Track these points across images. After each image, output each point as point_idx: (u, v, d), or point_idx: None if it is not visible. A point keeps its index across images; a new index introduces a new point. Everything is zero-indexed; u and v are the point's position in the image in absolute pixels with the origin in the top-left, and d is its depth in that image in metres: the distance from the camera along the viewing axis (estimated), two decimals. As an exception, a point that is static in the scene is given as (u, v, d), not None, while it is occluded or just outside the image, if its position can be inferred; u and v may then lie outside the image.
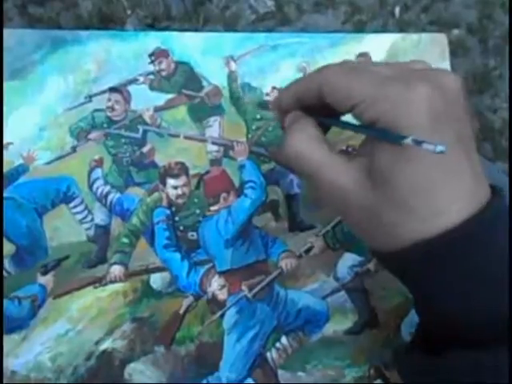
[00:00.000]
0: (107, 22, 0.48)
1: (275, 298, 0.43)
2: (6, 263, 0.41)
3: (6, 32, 0.43)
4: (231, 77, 0.46)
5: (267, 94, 0.47)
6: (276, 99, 0.32)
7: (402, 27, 0.54)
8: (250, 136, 0.46)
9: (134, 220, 0.43)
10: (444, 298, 0.26)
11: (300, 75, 0.47)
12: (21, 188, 0.42)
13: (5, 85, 0.43)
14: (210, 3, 0.50)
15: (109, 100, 0.44)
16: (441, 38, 0.50)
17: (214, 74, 0.46)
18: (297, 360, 0.42)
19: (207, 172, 0.44)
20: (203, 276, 0.42)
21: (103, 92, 0.44)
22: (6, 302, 0.40)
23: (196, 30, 0.49)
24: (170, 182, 0.44)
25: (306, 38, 0.48)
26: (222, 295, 0.42)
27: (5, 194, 0.41)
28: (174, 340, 0.41)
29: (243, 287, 0.42)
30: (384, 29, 0.54)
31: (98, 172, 0.44)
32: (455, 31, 0.55)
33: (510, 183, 0.41)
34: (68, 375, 0.39)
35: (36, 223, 0.42)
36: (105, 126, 0.44)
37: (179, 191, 0.43)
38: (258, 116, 0.46)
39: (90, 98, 0.44)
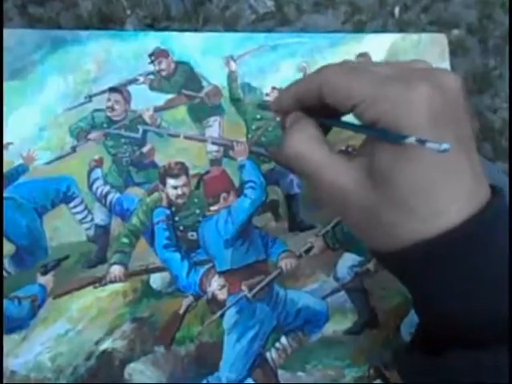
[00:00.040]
0: (107, 21, 0.49)
1: (275, 298, 0.43)
2: (6, 263, 0.41)
3: (5, 32, 0.43)
4: (231, 77, 0.46)
5: (267, 94, 0.47)
6: (276, 100, 0.32)
7: (402, 27, 0.54)
8: (249, 136, 0.46)
9: (134, 220, 0.43)
10: (444, 298, 0.26)
11: (300, 75, 0.47)
12: (21, 188, 0.42)
13: (5, 85, 0.42)
14: (209, 3, 0.50)
15: (109, 100, 0.44)
16: (441, 38, 0.50)
17: (213, 74, 0.46)
18: (297, 360, 0.42)
19: (207, 172, 0.44)
20: (203, 276, 0.42)
21: (103, 92, 0.44)
22: (5, 301, 0.40)
23: (196, 30, 0.49)
24: (170, 181, 0.44)
25: (306, 38, 0.48)
26: (221, 295, 0.42)
27: (5, 194, 0.41)
28: (173, 340, 0.41)
29: (243, 287, 0.42)
30: (384, 29, 0.54)
31: (98, 172, 0.44)
32: (455, 31, 0.55)
33: (510, 183, 0.41)
34: (68, 375, 0.39)
35: (36, 223, 0.42)
36: (105, 126, 0.44)
37: (179, 191, 0.43)
38: (258, 116, 0.46)
39: (89, 97, 0.44)
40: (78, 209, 0.43)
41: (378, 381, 0.42)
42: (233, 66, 0.46)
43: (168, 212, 0.43)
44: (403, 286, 0.28)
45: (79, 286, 0.41)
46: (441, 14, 0.55)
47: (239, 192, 0.44)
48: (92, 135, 0.44)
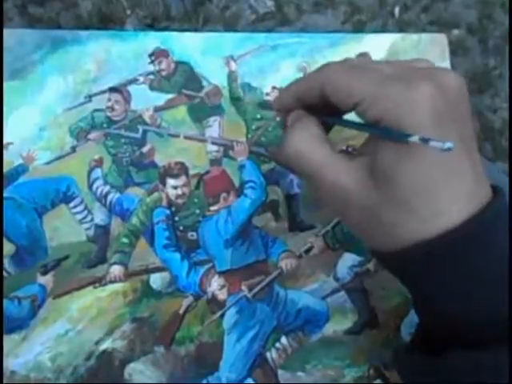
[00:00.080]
0: (107, 22, 0.48)
1: (275, 298, 0.43)
2: (6, 263, 0.41)
3: (5, 32, 0.43)
4: (231, 77, 0.46)
5: (267, 94, 0.47)
6: (277, 99, 0.32)
7: (402, 27, 0.54)
8: (249, 136, 0.46)
9: (134, 220, 0.43)
10: (444, 298, 0.26)
11: (300, 75, 0.47)
12: (21, 188, 0.42)
13: (5, 85, 0.42)
14: (209, 3, 0.50)
15: (109, 100, 0.44)
16: (441, 38, 0.50)
17: (213, 73, 0.46)
18: (297, 360, 0.42)
19: (207, 172, 0.44)
20: (203, 276, 0.42)
21: (103, 92, 0.44)
22: (5, 302, 0.40)
23: (196, 30, 0.49)
24: (170, 181, 0.44)
25: (306, 38, 0.48)
26: (221, 295, 0.42)
27: (5, 194, 0.41)
28: (173, 340, 0.41)
29: (243, 287, 0.42)
30: (384, 29, 0.54)
31: (98, 172, 0.43)
32: (455, 31, 0.55)
33: (510, 183, 0.41)
34: (68, 375, 0.39)
35: (36, 223, 0.42)
36: (105, 126, 0.44)
37: (179, 191, 0.43)
38: (258, 116, 0.46)
39: (89, 98, 0.44)
40: (78, 209, 0.43)
41: (378, 381, 0.42)
42: (233, 65, 0.46)
43: (168, 212, 0.43)
44: (403, 286, 0.28)
45: (79, 286, 0.41)
46: (441, 14, 0.55)
47: (239, 192, 0.44)
48: (92, 135, 0.44)
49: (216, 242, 0.43)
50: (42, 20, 0.48)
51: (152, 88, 0.46)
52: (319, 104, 0.28)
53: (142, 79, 0.45)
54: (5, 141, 0.42)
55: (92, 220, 0.43)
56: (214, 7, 0.50)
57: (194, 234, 0.43)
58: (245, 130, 0.46)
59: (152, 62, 0.46)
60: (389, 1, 0.54)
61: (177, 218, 0.43)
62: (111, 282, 0.41)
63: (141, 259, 0.42)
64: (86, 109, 0.44)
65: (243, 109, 0.46)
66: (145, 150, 0.45)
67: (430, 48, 0.50)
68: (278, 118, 0.45)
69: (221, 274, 0.42)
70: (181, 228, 0.43)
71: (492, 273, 0.25)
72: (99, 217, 0.43)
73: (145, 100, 0.45)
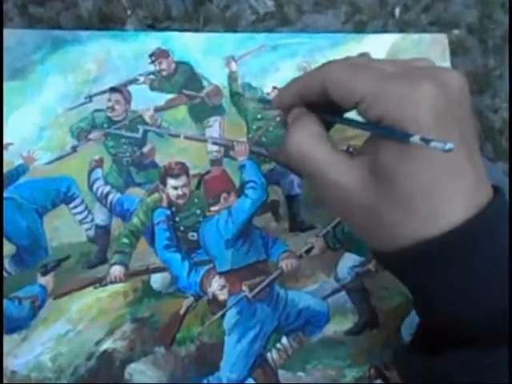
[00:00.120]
0: (107, 22, 0.48)
1: (276, 299, 0.43)
2: (6, 263, 0.41)
3: (6, 32, 0.43)
4: (232, 77, 0.46)
5: (268, 94, 0.47)
6: (277, 96, 0.32)
7: (403, 27, 0.54)
8: (250, 136, 0.46)
9: (135, 220, 0.43)
10: (444, 298, 0.26)
11: (300, 75, 0.47)
12: (21, 188, 0.42)
13: (5, 85, 0.42)
14: (210, 3, 0.50)
15: (109, 100, 0.44)
16: (441, 38, 0.50)
17: (214, 74, 0.46)
18: (297, 360, 0.42)
19: (207, 172, 0.44)
20: (203, 276, 0.42)
21: (103, 92, 0.44)
22: (6, 302, 0.40)
23: (196, 31, 0.49)
24: (171, 182, 0.44)
25: (306, 38, 0.48)
26: (222, 295, 0.42)
27: (5, 195, 0.41)
28: (174, 340, 0.41)
29: (244, 287, 0.42)
30: (384, 29, 0.54)
31: (98, 172, 0.43)
32: (455, 31, 0.55)
33: (510, 183, 0.41)
34: (68, 375, 0.39)
35: (36, 223, 0.42)
36: (105, 126, 0.44)
37: (179, 191, 0.43)
38: (259, 116, 0.46)
39: (90, 98, 0.44)
40: (79, 209, 0.43)
41: (379, 381, 0.42)
42: (233, 66, 0.46)
43: (168, 212, 0.43)
44: (404, 287, 0.28)
45: (79, 286, 0.41)
46: (441, 14, 0.55)
47: (240, 192, 0.44)
48: (92, 135, 0.44)
49: (216, 242, 0.43)
50: (43, 20, 0.48)
51: (152, 88, 0.46)
52: (320, 102, 0.28)
53: (142, 79, 0.45)
54: (5, 141, 0.42)
55: (92, 220, 0.43)
56: (215, 7, 0.50)
57: (195, 234, 0.43)
58: (245, 129, 0.46)
59: (152, 62, 0.46)
60: (389, 1, 0.54)
61: (177, 219, 0.43)
62: (112, 282, 0.41)
63: (141, 259, 0.42)
64: (87, 109, 0.44)
65: (244, 109, 0.46)
66: (145, 150, 0.45)
67: (431, 48, 0.50)
68: (278, 119, 0.45)
69: (221, 274, 0.42)
70: (181, 228, 0.43)
71: (492, 273, 0.25)
72: (100, 217, 0.43)
73: (145, 100, 0.45)
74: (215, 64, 0.46)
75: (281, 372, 0.42)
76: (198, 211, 0.43)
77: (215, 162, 0.45)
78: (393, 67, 0.26)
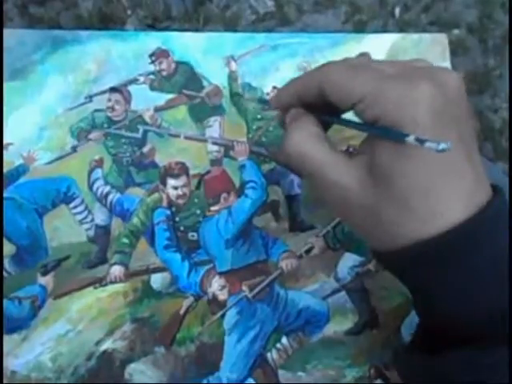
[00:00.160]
0: (107, 21, 0.48)
1: (276, 299, 0.43)
2: (6, 263, 0.41)
3: (6, 32, 0.43)
4: (232, 77, 0.46)
5: (268, 94, 0.47)
6: (276, 97, 0.32)
7: (402, 27, 0.54)
8: (250, 136, 0.46)
9: (135, 220, 0.43)
10: (444, 298, 0.26)
11: (300, 75, 0.47)
12: (21, 188, 0.42)
13: (5, 85, 0.42)
14: (210, 3, 0.50)
15: (109, 100, 0.44)
16: (441, 38, 0.50)
17: (214, 73, 0.46)
18: (297, 360, 0.42)
19: (207, 172, 0.44)
20: (203, 276, 0.42)
21: (103, 92, 0.44)
22: (6, 302, 0.40)
23: (196, 30, 0.49)
24: (171, 182, 0.44)
25: (306, 38, 0.48)
26: (222, 296, 0.42)
27: (5, 195, 0.41)
28: (174, 340, 0.41)
29: (244, 287, 0.42)
30: (384, 29, 0.54)
31: (98, 172, 0.43)
32: (455, 31, 0.55)
33: (510, 183, 0.41)
34: (68, 375, 0.39)
35: (36, 223, 0.42)
36: (105, 126, 0.44)
37: (179, 191, 0.43)
38: (259, 116, 0.46)
39: (90, 98, 0.44)
40: (79, 209, 0.43)
41: (379, 381, 0.42)
42: (233, 65, 0.46)
43: (168, 212, 0.43)
44: (404, 287, 0.28)
45: (79, 286, 0.41)
46: (441, 14, 0.55)
47: (240, 192, 0.44)
48: (92, 135, 0.44)
49: (216, 242, 0.43)
50: (43, 20, 0.48)
51: (152, 88, 0.46)
52: (318, 103, 0.28)
53: (142, 79, 0.45)
54: (5, 141, 0.42)
55: (92, 220, 0.43)
56: (215, 7, 0.50)
57: (195, 234, 0.43)
58: (245, 129, 0.46)
59: (152, 62, 0.46)
60: (389, 1, 0.54)
61: (177, 219, 0.43)
62: (112, 282, 0.41)
63: (141, 259, 0.42)
64: (87, 109, 0.44)
65: (244, 109, 0.46)
66: (145, 150, 0.45)
67: (431, 48, 0.50)
68: (276, 119, 0.45)
69: (221, 274, 0.42)
70: (181, 228, 0.43)
71: (492, 272, 0.25)
72: (99, 217, 0.43)
73: (145, 100, 0.45)
74: (215, 64, 0.46)
75: (281, 372, 0.42)
76: (198, 211, 0.43)
77: (215, 162, 0.45)
78: (391, 68, 0.26)
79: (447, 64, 0.50)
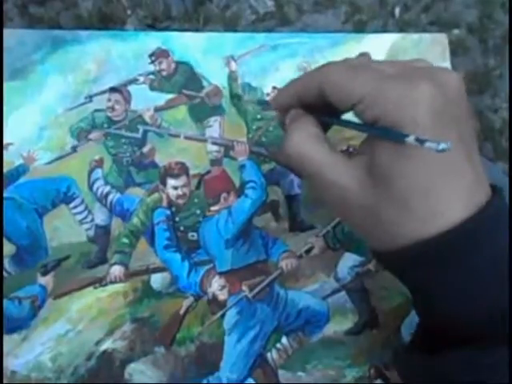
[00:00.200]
0: (107, 21, 0.48)
1: (275, 299, 0.43)
2: (6, 263, 0.41)
3: (6, 32, 0.43)
4: (231, 77, 0.46)
5: (268, 94, 0.47)
6: (275, 97, 0.32)
7: (402, 27, 0.54)
8: (250, 136, 0.46)
9: (135, 220, 0.43)
10: (444, 297, 0.26)
11: (300, 75, 0.47)
12: (21, 188, 0.42)
13: (5, 85, 0.42)
14: (210, 3, 0.50)
15: (109, 100, 0.44)
16: (441, 38, 0.50)
17: (214, 73, 0.46)
18: (297, 360, 0.42)
19: (207, 172, 0.44)
20: (203, 276, 0.42)
21: (103, 92, 0.44)
22: (6, 302, 0.40)
23: (196, 30, 0.49)
24: (171, 182, 0.44)
25: (306, 38, 0.48)
26: (222, 295, 0.42)
27: (5, 194, 0.41)
28: (174, 340, 0.41)
29: (243, 287, 0.42)
30: (384, 29, 0.54)
31: (98, 172, 0.43)
32: (455, 31, 0.55)
33: (510, 183, 0.41)
34: (68, 375, 0.39)
35: (36, 223, 0.42)
36: (105, 126, 0.44)
37: (179, 191, 0.43)
38: (259, 116, 0.46)
39: (90, 98, 0.44)
40: (79, 209, 0.43)
41: (379, 381, 0.42)
42: (233, 65, 0.46)
43: (168, 212, 0.43)
44: (404, 287, 0.28)
45: (79, 286, 0.41)
46: (441, 14, 0.55)
47: (240, 192, 0.44)
48: (92, 135, 0.44)
49: (216, 242, 0.43)
50: (43, 20, 0.48)
51: (152, 88, 0.46)
52: (317, 103, 0.28)
53: (142, 79, 0.45)
54: (5, 141, 0.42)
55: (92, 220, 0.43)
56: (215, 7, 0.50)
57: (195, 234, 0.43)
58: (245, 129, 0.46)
59: (152, 62, 0.46)
60: (389, 1, 0.54)
61: (177, 219, 0.43)
62: (111, 282, 0.41)
63: (141, 259, 0.42)
64: (87, 109, 0.44)
65: (244, 109, 0.46)
66: (145, 150, 0.45)
67: (431, 48, 0.50)
68: (276, 119, 0.45)
69: (221, 274, 0.42)
70: (181, 228, 0.43)
71: (492, 272, 0.25)
72: (99, 217, 0.43)
73: (145, 100, 0.45)
74: (215, 64, 0.46)
75: (281, 372, 0.42)
76: (198, 211, 0.43)
77: (215, 162, 0.45)
78: (390, 68, 0.26)
79: (447, 64, 0.50)
